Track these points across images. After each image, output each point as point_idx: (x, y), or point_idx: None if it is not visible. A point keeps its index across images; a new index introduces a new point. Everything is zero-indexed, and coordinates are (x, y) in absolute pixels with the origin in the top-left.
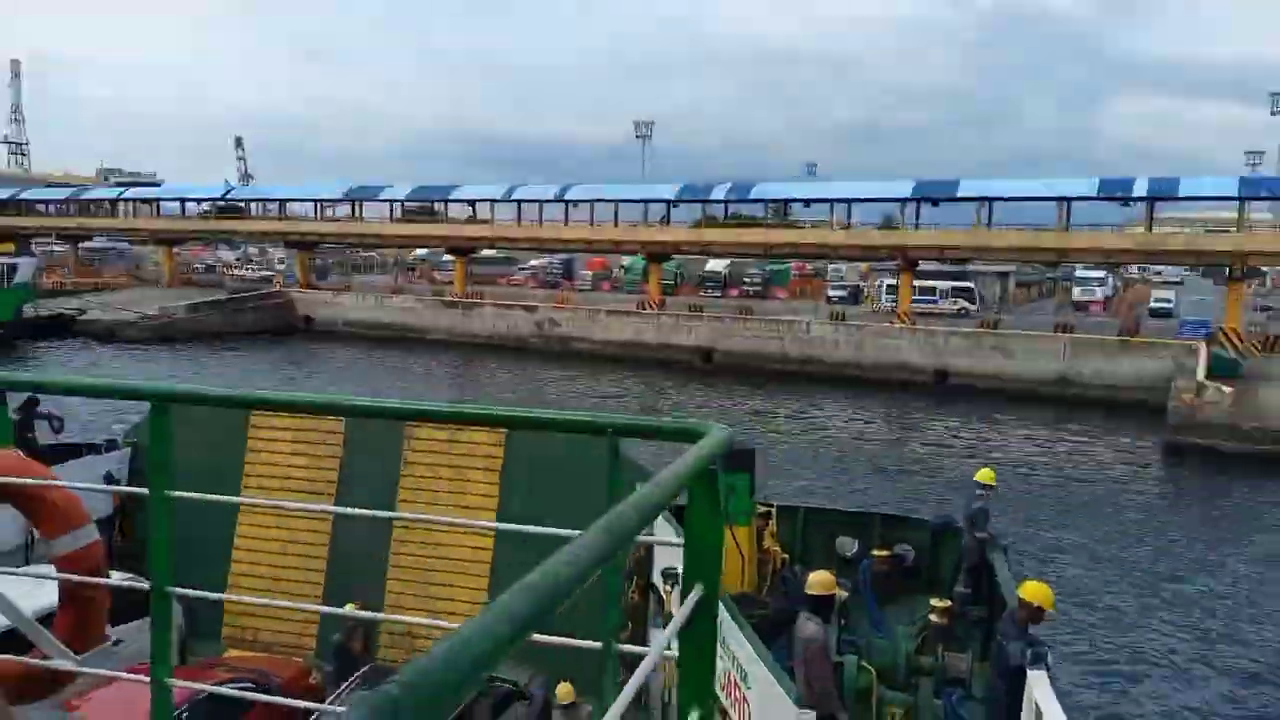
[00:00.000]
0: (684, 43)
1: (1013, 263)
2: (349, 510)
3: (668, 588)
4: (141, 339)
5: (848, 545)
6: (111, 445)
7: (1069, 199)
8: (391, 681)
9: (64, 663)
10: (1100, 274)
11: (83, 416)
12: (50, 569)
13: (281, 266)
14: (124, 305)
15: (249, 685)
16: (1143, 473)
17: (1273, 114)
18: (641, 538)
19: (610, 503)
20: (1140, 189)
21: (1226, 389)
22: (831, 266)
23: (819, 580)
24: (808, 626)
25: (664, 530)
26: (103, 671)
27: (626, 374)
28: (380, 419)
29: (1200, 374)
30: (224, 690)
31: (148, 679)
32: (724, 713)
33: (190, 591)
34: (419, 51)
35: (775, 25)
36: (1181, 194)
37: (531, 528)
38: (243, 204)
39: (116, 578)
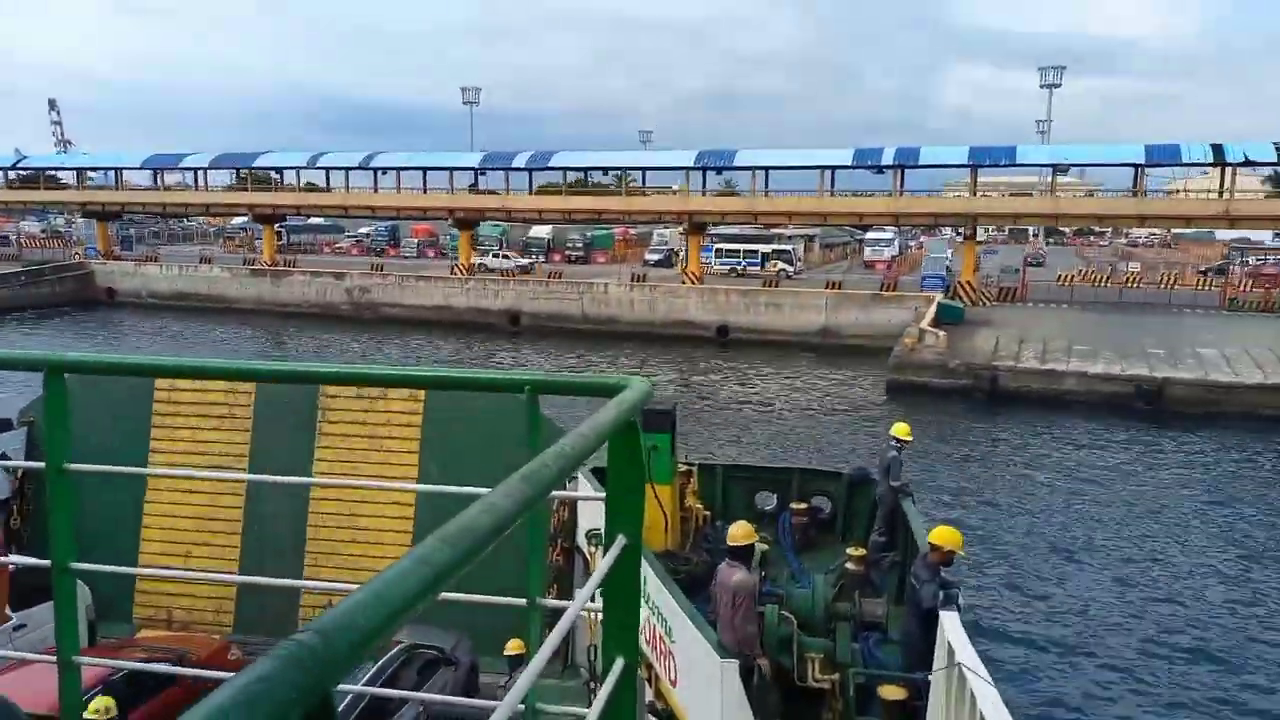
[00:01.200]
0: (536, 6)
1: (793, 226)
2: (263, 478)
3: (592, 549)
4: None
5: (767, 500)
6: (5, 425)
7: (830, 167)
8: (306, 630)
9: None
10: (888, 236)
11: None
12: None
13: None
14: None
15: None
16: (870, 405)
17: (1041, 86)
18: (565, 494)
19: (530, 460)
20: (889, 158)
21: (941, 333)
22: (656, 231)
23: (740, 531)
24: (735, 573)
25: (588, 491)
26: (3, 653)
27: (437, 338)
28: (293, 384)
29: (926, 321)
30: (135, 666)
31: (54, 659)
32: (649, 666)
33: (94, 567)
34: (259, 6)
35: None
36: (922, 162)
37: (453, 488)
38: (39, 173)
39: (16, 559)
